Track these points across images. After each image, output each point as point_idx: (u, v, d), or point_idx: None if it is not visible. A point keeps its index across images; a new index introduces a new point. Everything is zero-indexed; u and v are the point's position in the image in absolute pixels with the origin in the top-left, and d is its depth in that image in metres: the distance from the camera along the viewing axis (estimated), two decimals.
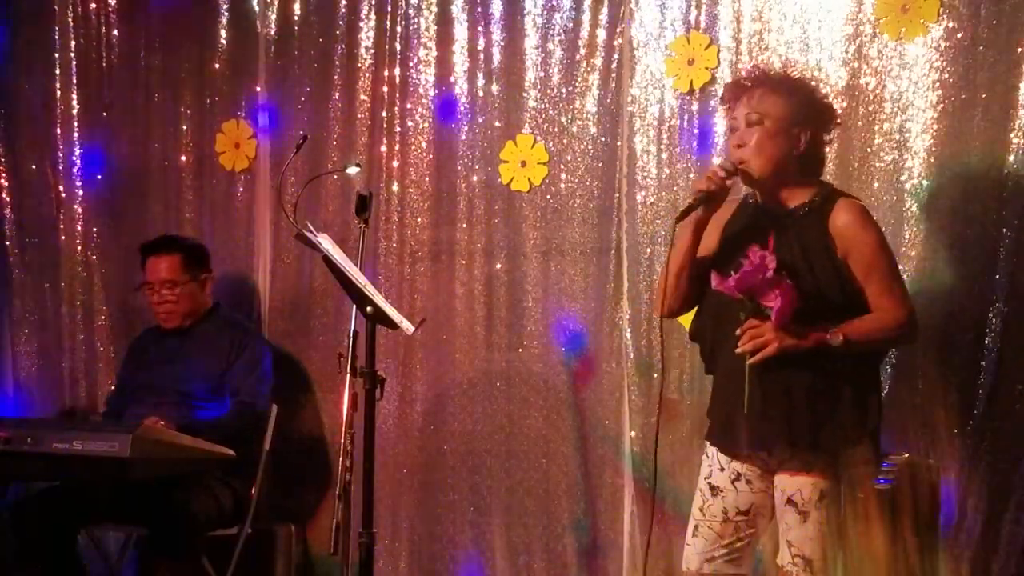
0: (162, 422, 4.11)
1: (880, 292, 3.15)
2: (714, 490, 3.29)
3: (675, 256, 3.26)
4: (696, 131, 4.30)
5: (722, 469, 3.30)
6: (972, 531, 3.88)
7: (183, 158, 5.20)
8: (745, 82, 3.27)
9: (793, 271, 3.10)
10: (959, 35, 3.95)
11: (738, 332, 3.10)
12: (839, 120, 3.42)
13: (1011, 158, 3.88)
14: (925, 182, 4.01)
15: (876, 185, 4.07)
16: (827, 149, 3.39)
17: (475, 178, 4.71)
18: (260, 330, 4.94)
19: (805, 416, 3.13)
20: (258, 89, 5.07)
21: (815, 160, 3.28)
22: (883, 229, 4.01)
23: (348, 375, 3.37)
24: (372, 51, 4.87)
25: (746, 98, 3.21)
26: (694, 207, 3.19)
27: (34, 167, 5.38)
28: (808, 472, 3.16)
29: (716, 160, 4.27)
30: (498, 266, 4.68)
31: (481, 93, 4.70)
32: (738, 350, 3.10)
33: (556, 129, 4.59)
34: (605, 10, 4.49)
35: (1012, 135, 3.87)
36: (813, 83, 3.52)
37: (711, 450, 3.35)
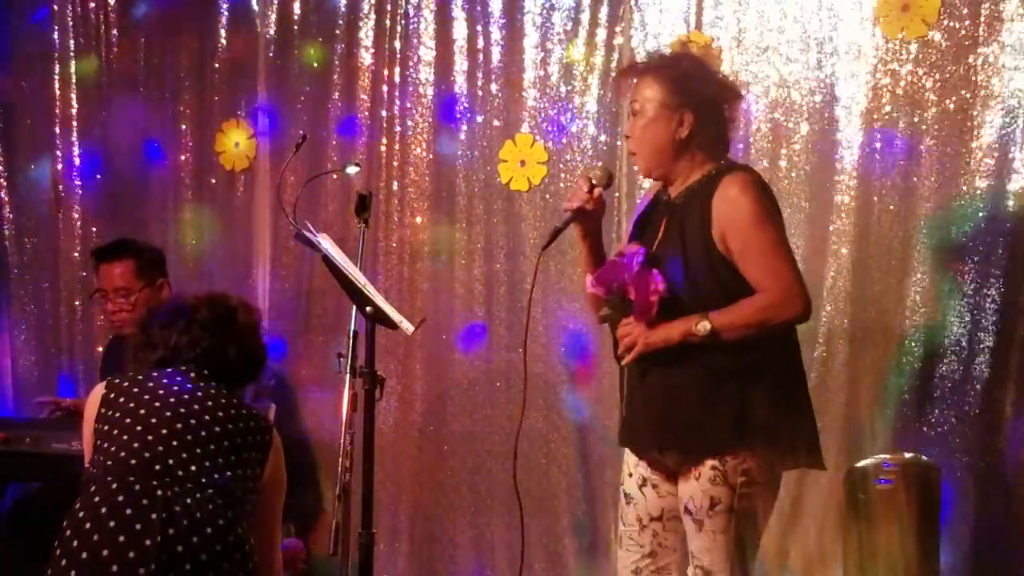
0: None
1: (758, 270, 2.87)
2: (627, 498, 3.17)
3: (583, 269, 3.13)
4: None
5: (630, 475, 3.16)
6: (972, 531, 3.88)
7: (183, 158, 5.20)
8: (629, 71, 3.17)
9: (674, 260, 2.93)
10: (960, 34, 3.95)
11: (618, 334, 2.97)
12: (740, 94, 3.20)
13: (1010, 157, 3.88)
14: (927, 181, 4.02)
15: (881, 183, 4.07)
16: (732, 126, 3.10)
17: (475, 178, 4.71)
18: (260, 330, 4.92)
19: (679, 418, 2.95)
20: (258, 89, 5.07)
21: (709, 141, 3.02)
22: (881, 227, 4.06)
23: (348, 375, 3.37)
24: (372, 51, 4.87)
25: (632, 88, 3.07)
26: (561, 230, 3.05)
27: (34, 167, 5.38)
28: (698, 479, 2.95)
29: None
30: (497, 266, 4.68)
31: (480, 92, 4.70)
32: (618, 353, 2.99)
33: (555, 128, 4.59)
34: (605, 10, 4.49)
35: (1010, 131, 3.88)
36: (700, 62, 3.20)
37: (625, 453, 3.21)
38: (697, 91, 3.01)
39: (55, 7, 5.31)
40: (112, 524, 2.53)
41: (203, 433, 2.71)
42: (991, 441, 3.88)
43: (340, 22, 4.91)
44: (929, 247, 4.01)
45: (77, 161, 5.34)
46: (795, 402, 3.00)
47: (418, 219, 4.81)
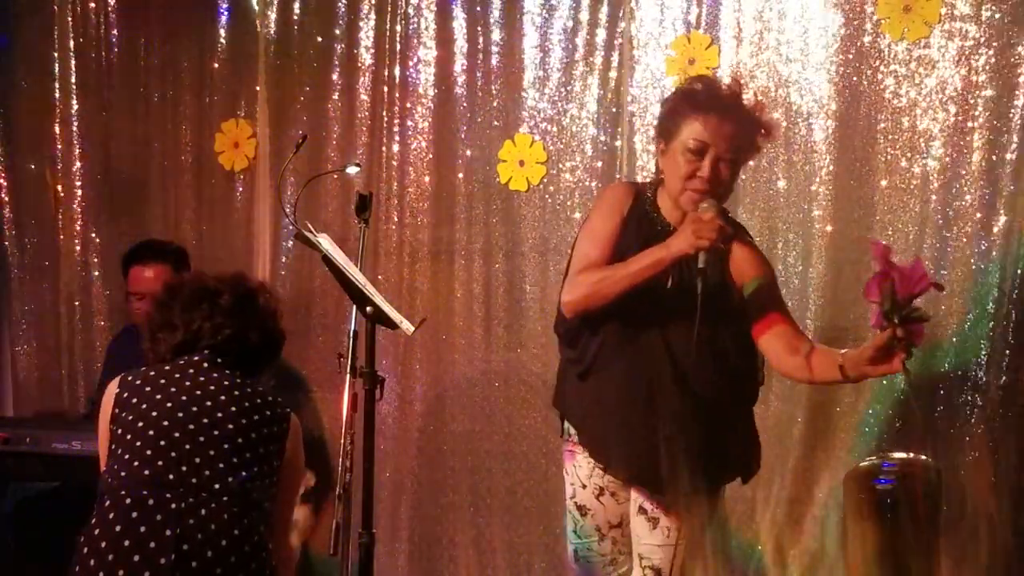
0: None
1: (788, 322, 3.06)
2: (582, 510, 3.18)
3: (631, 277, 2.96)
4: None
5: (584, 486, 3.17)
6: (972, 531, 3.88)
7: (183, 158, 5.19)
8: (722, 106, 3.01)
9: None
10: (961, 35, 3.95)
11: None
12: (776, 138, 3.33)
13: (1008, 155, 3.89)
14: (927, 181, 4.02)
15: (883, 184, 4.08)
16: None
17: (474, 178, 4.71)
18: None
19: (705, 450, 3.00)
20: (258, 89, 5.06)
21: None
22: (885, 228, 4.08)
23: (348, 375, 3.36)
24: (372, 51, 4.87)
25: (720, 126, 2.96)
26: (704, 270, 2.90)
27: (34, 167, 5.37)
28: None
29: None
30: (497, 266, 4.68)
31: (480, 92, 4.70)
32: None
33: (555, 129, 4.59)
34: (605, 9, 4.49)
35: (1011, 133, 3.88)
36: (759, 103, 3.18)
37: (571, 467, 3.21)
38: (759, 140, 3.08)
39: (55, 7, 5.30)
40: (127, 543, 2.53)
41: (216, 433, 2.68)
42: (991, 441, 3.88)
43: (340, 22, 4.91)
44: (929, 247, 4.01)
45: (77, 161, 5.34)
46: (749, 421, 3.17)
47: (418, 219, 4.81)
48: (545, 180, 4.60)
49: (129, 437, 2.65)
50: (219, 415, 2.70)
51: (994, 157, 3.94)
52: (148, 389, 2.73)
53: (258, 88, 5.06)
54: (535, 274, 4.61)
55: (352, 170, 4.29)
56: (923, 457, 3.82)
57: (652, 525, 3.02)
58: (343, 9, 4.90)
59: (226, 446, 2.67)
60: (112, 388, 2.77)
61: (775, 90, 4.23)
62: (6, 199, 5.41)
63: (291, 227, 4.54)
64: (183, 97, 5.20)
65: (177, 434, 2.65)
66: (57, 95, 5.33)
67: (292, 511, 2.90)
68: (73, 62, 5.33)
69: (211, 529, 2.57)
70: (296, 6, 4.99)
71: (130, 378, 2.78)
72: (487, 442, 4.67)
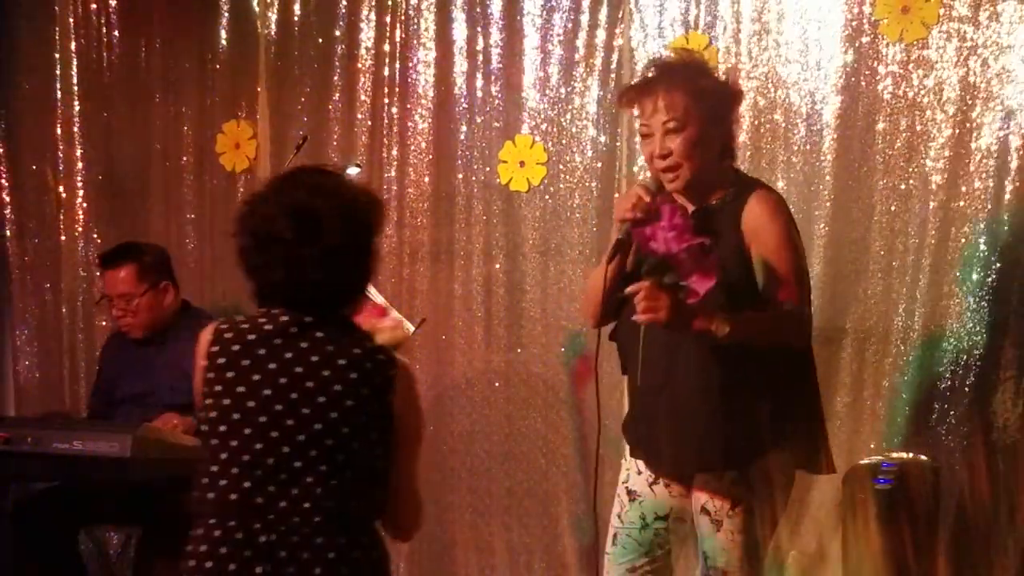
0: (175, 421, 4.06)
1: (779, 286, 2.87)
2: (632, 495, 3.12)
3: (600, 277, 2.97)
4: None
5: (639, 472, 3.12)
6: (972, 531, 3.88)
7: (184, 158, 5.20)
8: (652, 82, 2.98)
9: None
10: (959, 36, 3.96)
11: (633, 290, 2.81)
12: (742, 95, 3.20)
13: (1008, 156, 3.89)
14: (926, 182, 4.03)
15: (881, 184, 4.08)
16: (738, 130, 3.15)
17: (474, 178, 4.72)
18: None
19: (703, 440, 2.95)
20: (259, 90, 5.07)
21: (730, 149, 3.05)
22: (883, 228, 4.07)
23: None
24: (372, 51, 4.87)
25: (657, 102, 2.92)
26: (625, 242, 2.90)
27: (34, 167, 5.38)
28: (720, 479, 2.95)
29: None
30: (497, 266, 4.68)
31: (480, 93, 4.71)
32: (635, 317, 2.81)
33: (555, 129, 4.60)
34: (604, 10, 4.49)
35: (1010, 133, 3.89)
36: (714, 69, 3.19)
37: (627, 451, 3.18)
38: (719, 96, 2.99)
39: (56, 7, 5.31)
40: None
41: (302, 439, 2.42)
42: (990, 441, 3.88)
43: (340, 23, 4.92)
44: (929, 248, 4.02)
45: (79, 162, 5.34)
46: (809, 405, 3.02)
47: (418, 219, 4.81)
48: (545, 181, 4.61)
49: (216, 442, 2.46)
50: (305, 412, 2.43)
51: (993, 157, 3.94)
52: (236, 348, 2.47)
53: (259, 89, 5.07)
54: (535, 275, 4.62)
55: (352, 171, 4.29)
56: (923, 457, 3.82)
57: (716, 527, 2.96)
58: (343, 10, 4.91)
59: (313, 452, 2.42)
60: (207, 336, 2.51)
61: (774, 91, 4.23)
62: (7, 200, 5.41)
63: None
64: (184, 98, 5.20)
65: (260, 445, 2.42)
66: (59, 96, 5.34)
67: (414, 479, 2.54)
68: (74, 63, 5.33)
69: (304, 558, 2.40)
70: (296, 6, 4.99)
71: (224, 327, 2.51)
72: (487, 442, 4.67)
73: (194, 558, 2.47)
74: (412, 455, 2.53)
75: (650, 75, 3.02)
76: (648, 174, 3.07)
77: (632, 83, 3.11)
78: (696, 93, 2.92)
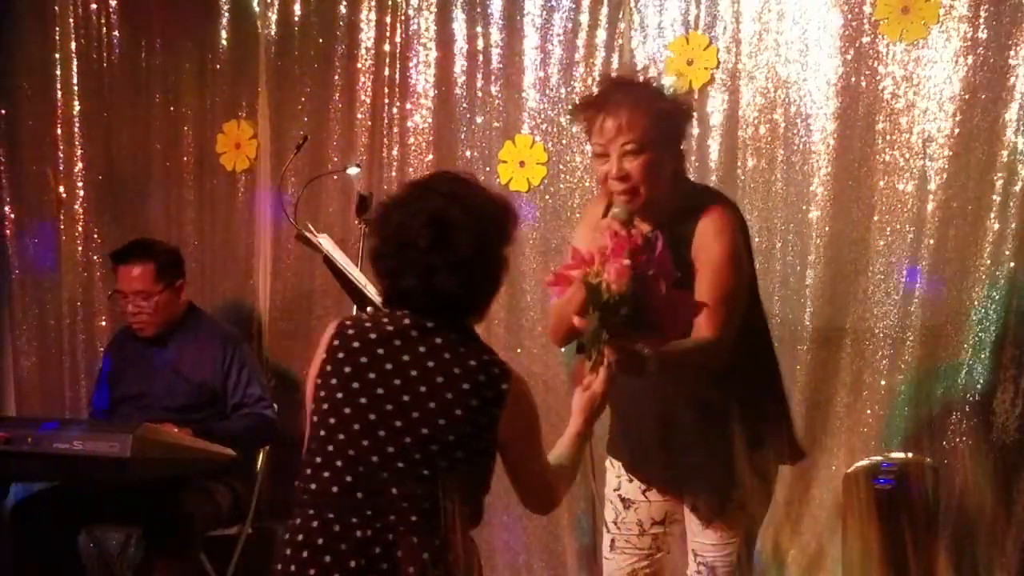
0: (176, 429, 4.05)
1: (705, 306, 2.78)
2: (626, 503, 3.14)
3: (568, 308, 2.82)
4: (695, 131, 4.30)
5: (630, 480, 3.14)
6: (972, 531, 3.89)
7: (184, 159, 5.20)
8: (609, 102, 2.90)
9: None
10: (959, 36, 3.96)
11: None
12: (692, 112, 3.17)
13: (1007, 155, 3.90)
14: (925, 182, 4.03)
15: (881, 184, 4.08)
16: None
17: None
18: (260, 331, 4.94)
19: (696, 467, 2.97)
20: (259, 90, 5.07)
21: (682, 169, 3.03)
22: (883, 228, 4.07)
23: None
24: (372, 51, 4.88)
25: (616, 122, 2.85)
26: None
27: (34, 167, 5.38)
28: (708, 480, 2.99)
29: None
30: None
31: (480, 93, 4.71)
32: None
33: (555, 129, 4.60)
34: (604, 10, 4.50)
35: (1009, 133, 3.89)
36: (660, 86, 3.10)
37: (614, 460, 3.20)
38: (675, 118, 2.94)
39: (56, 7, 5.31)
40: (312, 573, 2.42)
41: (408, 440, 2.42)
42: (990, 441, 3.89)
43: (340, 23, 4.92)
44: (927, 248, 4.02)
45: (79, 162, 5.34)
46: (782, 401, 3.08)
47: None
48: (545, 181, 4.61)
49: (323, 433, 2.46)
50: (414, 415, 2.43)
51: (993, 158, 3.95)
52: (356, 345, 2.47)
53: (259, 89, 5.07)
54: (535, 275, 4.62)
55: (353, 171, 4.31)
56: (923, 457, 3.82)
57: (704, 524, 3.00)
58: (344, 10, 4.91)
59: (417, 456, 2.42)
60: (331, 330, 2.52)
61: (774, 91, 4.24)
62: (6, 199, 5.42)
63: (292, 228, 4.55)
64: (184, 98, 5.20)
65: (366, 442, 2.43)
66: (59, 96, 5.34)
67: (534, 474, 2.57)
68: (75, 63, 5.33)
69: (397, 556, 2.41)
70: (296, 6, 4.99)
71: (349, 324, 2.52)
72: None
73: (290, 547, 2.47)
74: (530, 455, 2.56)
75: (607, 93, 2.94)
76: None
77: (587, 98, 3.01)
78: (655, 115, 2.88)
